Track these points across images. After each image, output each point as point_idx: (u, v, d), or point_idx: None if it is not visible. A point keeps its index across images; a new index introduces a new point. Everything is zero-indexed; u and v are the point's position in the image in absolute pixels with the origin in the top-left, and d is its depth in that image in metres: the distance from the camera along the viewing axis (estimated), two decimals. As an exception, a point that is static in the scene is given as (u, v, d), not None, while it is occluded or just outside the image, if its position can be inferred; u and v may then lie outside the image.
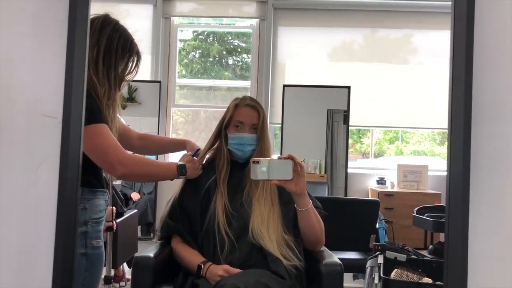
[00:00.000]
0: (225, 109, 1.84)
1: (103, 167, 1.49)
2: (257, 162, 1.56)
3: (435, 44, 4.59)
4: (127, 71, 1.57)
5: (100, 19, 1.52)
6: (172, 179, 1.71)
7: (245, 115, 1.77)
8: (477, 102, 1.10)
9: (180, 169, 1.66)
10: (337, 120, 4.57)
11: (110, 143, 1.45)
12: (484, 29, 1.11)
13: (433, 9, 4.59)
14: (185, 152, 1.86)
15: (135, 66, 1.58)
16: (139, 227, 4.35)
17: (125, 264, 3.46)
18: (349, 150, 4.72)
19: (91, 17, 1.45)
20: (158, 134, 4.62)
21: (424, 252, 2.71)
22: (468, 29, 1.08)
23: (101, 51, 1.48)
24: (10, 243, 1.11)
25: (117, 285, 3.43)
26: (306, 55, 4.82)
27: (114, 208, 2.45)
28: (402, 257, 2.20)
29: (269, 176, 1.56)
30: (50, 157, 1.10)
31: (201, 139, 5.16)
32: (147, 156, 1.81)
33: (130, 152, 1.83)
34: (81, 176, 1.35)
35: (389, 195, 4.32)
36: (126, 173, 1.50)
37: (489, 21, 1.11)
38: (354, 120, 4.61)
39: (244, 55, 5.17)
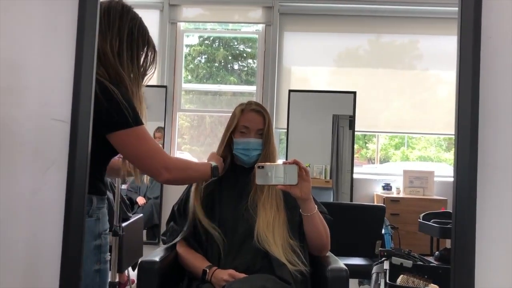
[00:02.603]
0: (230, 114, 1.84)
1: (148, 173, 1.40)
2: (262, 167, 1.56)
3: (441, 49, 4.58)
4: (148, 63, 1.46)
5: (119, 7, 1.40)
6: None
7: (251, 120, 1.77)
8: (484, 107, 1.09)
9: (214, 171, 1.59)
10: (343, 125, 4.57)
11: (156, 147, 1.37)
12: (491, 34, 1.10)
13: (439, 14, 4.59)
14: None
15: (153, 59, 1.47)
16: (144, 231, 4.36)
17: (129, 269, 3.46)
18: (355, 155, 4.71)
19: (104, 1, 1.37)
20: (164, 138, 4.64)
21: (431, 259, 2.69)
22: (475, 34, 1.08)
23: (124, 42, 1.37)
24: (17, 246, 1.11)
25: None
26: (312, 60, 4.83)
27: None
28: (408, 263, 2.19)
29: (274, 181, 1.56)
30: (57, 161, 1.10)
31: (207, 143, 5.17)
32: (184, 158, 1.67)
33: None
34: (93, 183, 1.28)
35: (395, 200, 4.31)
36: (170, 178, 1.39)
37: (496, 26, 1.11)
38: (360, 125, 4.61)
39: (250, 60, 5.18)
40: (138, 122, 1.33)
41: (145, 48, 1.44)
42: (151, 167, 1.37)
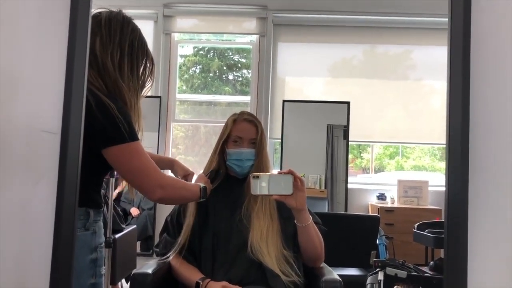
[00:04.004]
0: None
1: (141, 190, 1.36)
2: (257, 177, 1.56)
3: (435, 60, 4.63)
4: (147, 75, 1.45)
5: (120, 18, 1.40)
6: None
7: (244, 130, 1.77)
8: (475, 117, 1.10)
9: (203, 192, 1.56)
10: (337, 135, 4.58)
11: (150, 165, 1.34)
12: (480, 44, 1.11)
13: (432, 25, 4.64)
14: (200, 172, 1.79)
15: (151, 71, 1.46)
16: (138, 243, 4.32)
17: (123, 281, 3.43)
18: (349, 165, 4.72)
19: (104, 11, 1.38)
20: (158, 149, 4.63)
21: (425, 269, 2.68)
22: (464, 44, 1.09)
23: (125, 54, 1.37)
24: (6, 260, 1.10)
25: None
26: (306, 70, 4.86)
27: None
28: (402, 273, 2.18)
29: (269, 191, 1.55)
30: (48, 173, 1.09)
31: (201, 153, 5.17)
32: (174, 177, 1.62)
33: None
34: (89, 196, 1.29)
35: (389, 210, 4.31)
36: (163, 196, 1.36)
37: (486, 35, 1.12)
38: (354, 135, 4.62)
39: (244, 71, 5.20)
40: (133, 137, 1.30)
41: (144, 60, 1.44)
42: (144, 184, 1.34)
